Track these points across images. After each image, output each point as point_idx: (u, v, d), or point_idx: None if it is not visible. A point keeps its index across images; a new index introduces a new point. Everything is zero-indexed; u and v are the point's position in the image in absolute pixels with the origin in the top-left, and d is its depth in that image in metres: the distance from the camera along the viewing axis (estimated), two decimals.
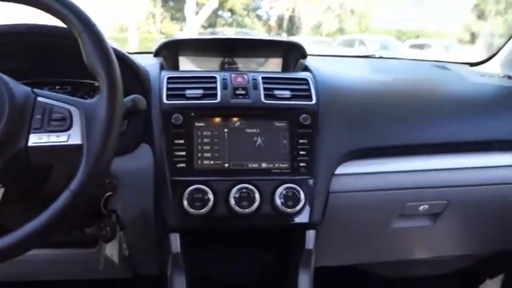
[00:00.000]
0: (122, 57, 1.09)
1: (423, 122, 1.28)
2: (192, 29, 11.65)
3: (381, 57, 1.91)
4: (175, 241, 1.16)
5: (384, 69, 1.59)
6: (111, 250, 1.22)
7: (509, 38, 1.64)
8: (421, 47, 12.44)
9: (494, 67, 1.68)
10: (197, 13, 12.00)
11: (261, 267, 1.39)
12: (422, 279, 1.84)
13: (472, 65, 1.79)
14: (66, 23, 0.86)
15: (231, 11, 15.47)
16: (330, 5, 15.56)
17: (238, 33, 12.48)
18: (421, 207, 1.31)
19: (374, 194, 1.27)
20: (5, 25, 1.05)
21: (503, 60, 1.66)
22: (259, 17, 16.33)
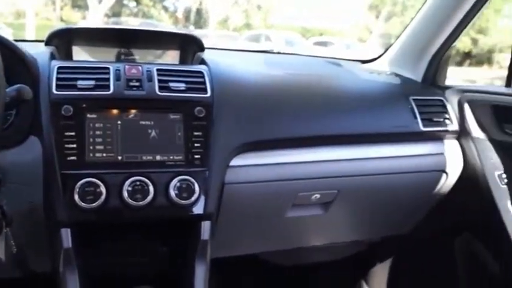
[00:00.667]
0: (5, 44, 1.04)
1: (315, 115, 1.34)
2: (94, 17, 11.26)
3: (279, 53, 1.96)
4: (66, 236, 1.12)
5: (281, 64, 1.63)
6: None
7: (397, 38, 1.75)
8: (324, 44, 12.88)
9: (383, 65, 1.78)
10: (100, 1, 11.61)
11: (157, 260, 1.38)
12: (317, 265, 1.92)
13: (364, 62, 1.88)
14: None
15: (137, 0, 15.14)
16: (237, 0, 15.67)
17: (143, 24, 12.21)
18: (313, 197, 1.37)
19: (268, 184, 1.31)
20: None
21: (391, 58, 1.76)
22: (165, 8, 16.10)
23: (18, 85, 0.93)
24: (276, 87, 1.38)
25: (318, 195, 1.38)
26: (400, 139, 1.43)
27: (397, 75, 1.68)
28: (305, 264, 1.93)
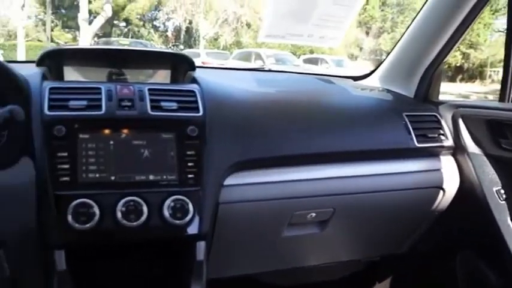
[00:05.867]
0: None
1: (308, 132, 1.33)
2: (85, 38, 11.27)
3: (270, 70, 1.96)
4: (60, 258, 1.10)
5: (272, 81, 1.63)
6: None
7: (388, 54, 1.75)
8: (315, 61, 12.97)
9: (375, 81, 1.79)
10: (90, 22, 11.63)
11: (152, 282, 1.36)
12: (314, 286, 1.89)
13: (355, 79, 1.88)
14: None
15: (126, 20, 15.22)
16: (227, 18, 15.78)
17: (133, 43, 12.23)
18: (309, 216, 1.36)
19: (263, 203, 1.29)
20: None
21: (382, 74, 1.76)
22: (156, 28, 16.21)
23: (10, 106, 0.92)
24: (267, 105, 1.37)
25: (313, 214, 1.36)
26: (395, 156, 1.43)
27: (389, 91, 1.68)
28: (302, 285, 1.90)
